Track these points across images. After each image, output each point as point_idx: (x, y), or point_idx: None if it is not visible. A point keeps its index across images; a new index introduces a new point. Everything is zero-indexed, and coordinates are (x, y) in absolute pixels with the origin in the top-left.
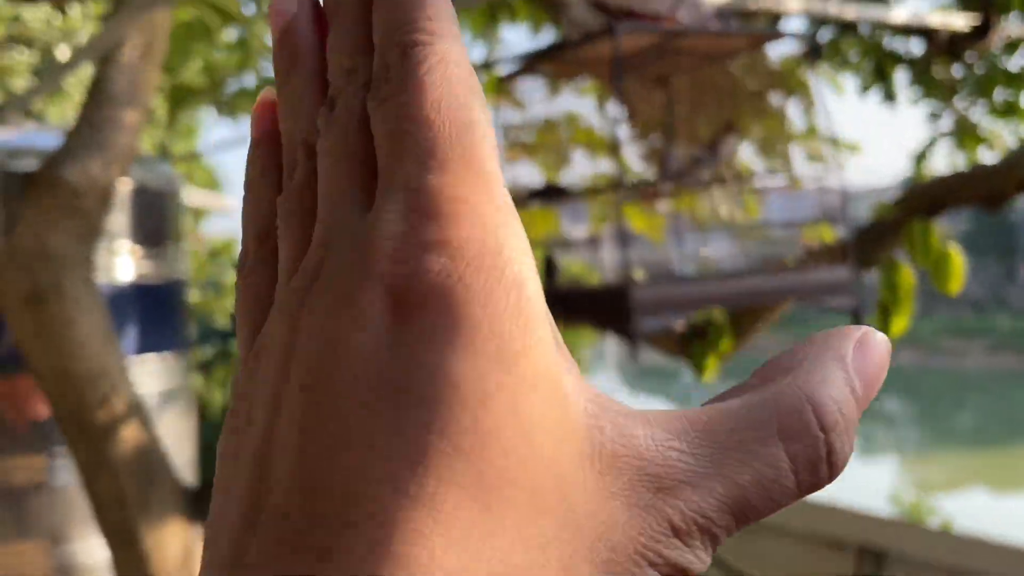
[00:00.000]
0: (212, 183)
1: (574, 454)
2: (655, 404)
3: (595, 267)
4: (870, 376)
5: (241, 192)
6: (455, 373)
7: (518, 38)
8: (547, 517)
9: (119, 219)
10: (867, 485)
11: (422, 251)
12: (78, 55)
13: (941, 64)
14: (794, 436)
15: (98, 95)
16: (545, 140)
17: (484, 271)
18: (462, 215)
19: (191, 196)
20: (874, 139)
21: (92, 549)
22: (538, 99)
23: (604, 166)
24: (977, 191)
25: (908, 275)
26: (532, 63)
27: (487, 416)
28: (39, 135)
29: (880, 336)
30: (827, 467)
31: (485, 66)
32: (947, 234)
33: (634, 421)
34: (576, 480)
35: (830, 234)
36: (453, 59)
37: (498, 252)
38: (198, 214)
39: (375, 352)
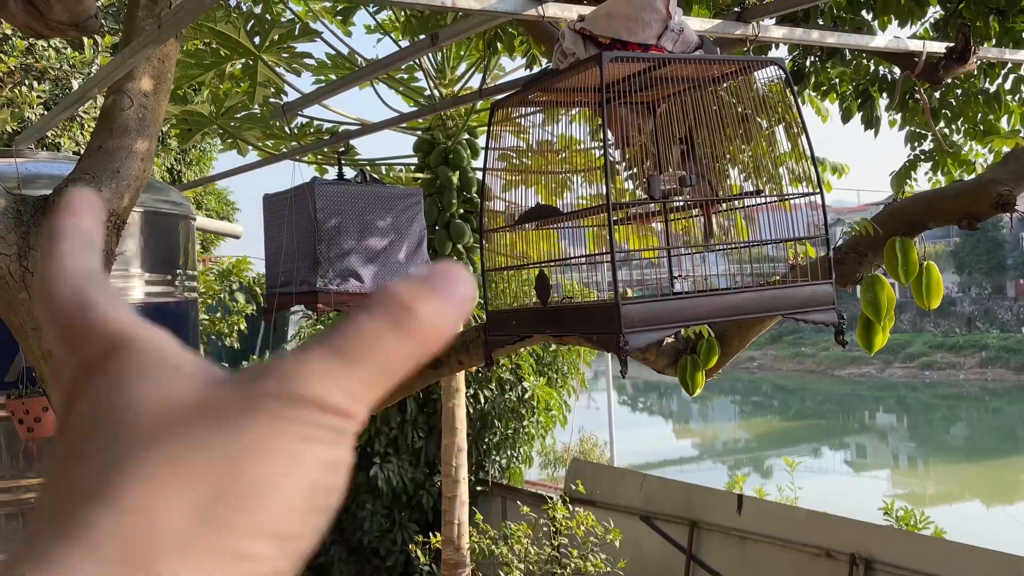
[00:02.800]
0: (222, 209)
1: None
2: (655, 420)
3: (592, 287)
4: (436, 275)
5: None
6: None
7: (515, 67)
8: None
9: (132, 244)
10: (860, 497)
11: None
12: (89, 84)
13: (920, 88)
14: (368, 304)
15: (109, 123)
16: (543, 165)
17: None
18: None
19: (202, 222)
20: (869, 158)
21: None
22: (536, 124)
23: (601, 189)
24: (954, 209)
25: (889, 291)
26: (524, 90)
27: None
28: (53, 164)
29: (454, 263)
30: (403, 309)
31: (481, 93)
32: (937, 252)
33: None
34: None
35: (813, 252)
36: (62, 266)
37: None
38: (207, 238)
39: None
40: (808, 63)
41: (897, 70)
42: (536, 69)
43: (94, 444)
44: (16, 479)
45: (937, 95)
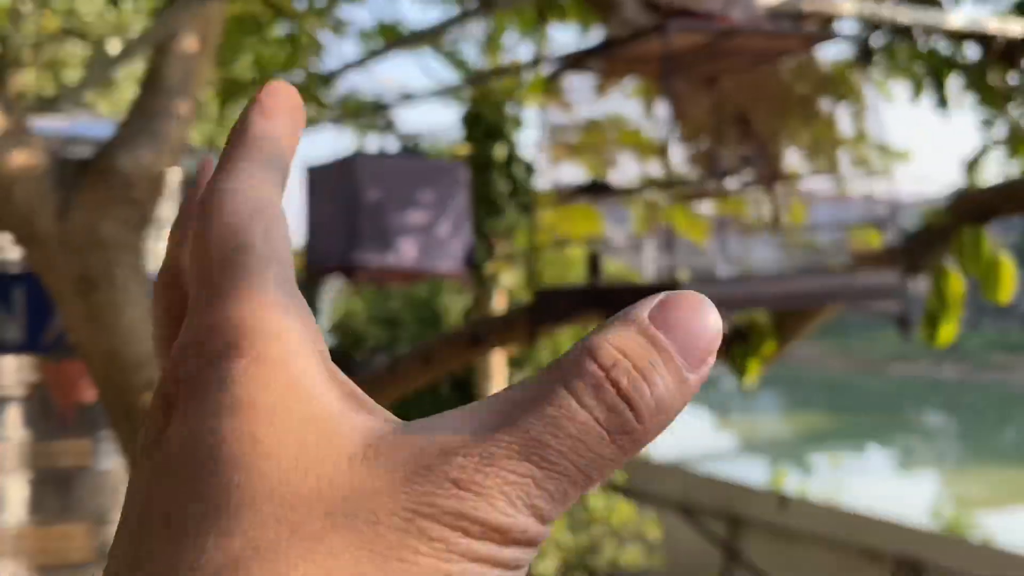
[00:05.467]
0: None
1: (338, 458)
2: (695, 413)
3: (636, 270)
4: (672, 321)
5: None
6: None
7: (567, 38)
8: (323, 527)
9: (169, 208)
10: (906, 499)
11: (181, 356)
12: (132, 46)
13: (996, 71)
14: (572, 375)
15: (152, 85)
16: (591, 141)
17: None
18: (219, 326)
19: None
20: (926, 147)
21: None
22: (585, 100)
23: (649, 169)
24: None
25: (957, 282)
26: (581, 60)
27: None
28: (93, 125)
29: (686, 291)
30: (625, 404)
31: (533, 63)
32: (997, 244)
33: (410, 425)
34: (344, 481)
35: (877, 240)
36: (229, 193)
37: (243, 336)
38: None
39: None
40: (877, 42)
41: (972, 51)
42: (589, 41)
43: (186, 494)
44: (49, 443)
45: (1013, 80)
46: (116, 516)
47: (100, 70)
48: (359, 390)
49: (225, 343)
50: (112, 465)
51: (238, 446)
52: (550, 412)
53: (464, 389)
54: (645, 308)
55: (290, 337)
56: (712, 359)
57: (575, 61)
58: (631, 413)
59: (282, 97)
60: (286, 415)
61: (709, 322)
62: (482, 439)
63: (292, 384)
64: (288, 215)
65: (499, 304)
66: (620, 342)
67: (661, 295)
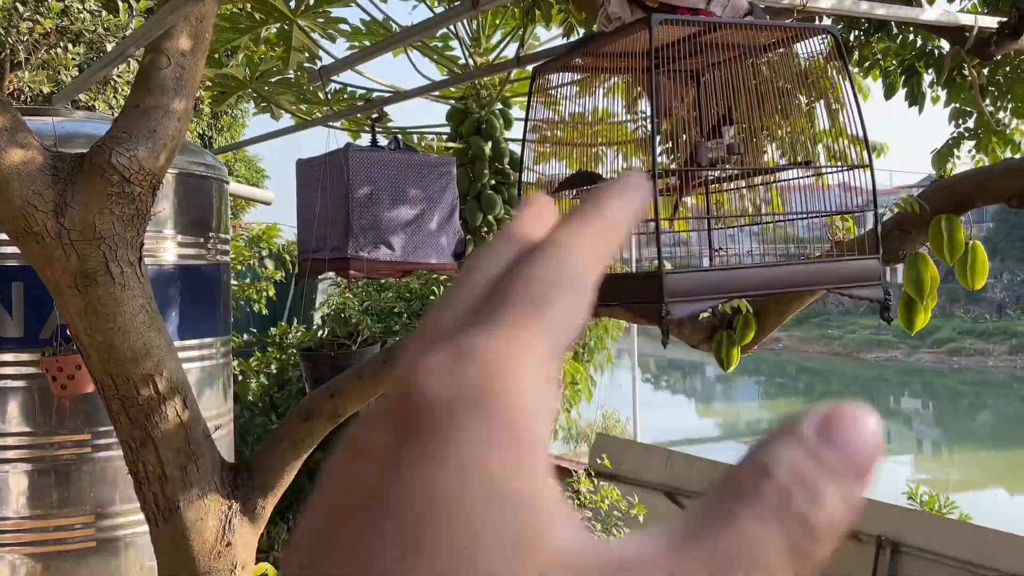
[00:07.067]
0: (251, 176)
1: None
2: (678, 399)
3: (621, 262)
4: (837, 437)
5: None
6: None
7: (552, 39)
8: None
9: (166, 205)
10: (884, 481)
11: (457, 364)
12: (125, 44)
13: (970, 64)
14: (751, 498)
15: (147, 82)
16: (576, 137)
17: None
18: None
19: (233, 187)
20: (901, 140)
21: (133, 523)
22: (571, 95)
23: (635, 164)
24: (1003, 188)
25: (933, 269)
26: (566, 55)
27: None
28: (89, 123)
29: (845, 404)
30: (803, 526)
31: (519, 61)
32: (970, 235)
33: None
34: None
35: (855, 230)
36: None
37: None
38: (237, 204)
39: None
40: (853, 37)
41: (945, 45)
42: (573, 39)
43: (410, 534)
44: (48, 436)
45: (985, 72)
46: (114, 507)
47: (95, 69)
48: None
49: (502, 393)
50: (110, 457)
51: (468, 513)
52: (732, 534)
53: None
54: (809, 424)
55: (541, 420)
56: (875, 466)
57: (560, 56)
58: (809, 534)
59: (634, 191)
60: (514, 500)
61: (870, 432)
62: (670, 558)
63: (532, 471)
64: (278, 212)
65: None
66: (791, 461)
67: (823, 409)
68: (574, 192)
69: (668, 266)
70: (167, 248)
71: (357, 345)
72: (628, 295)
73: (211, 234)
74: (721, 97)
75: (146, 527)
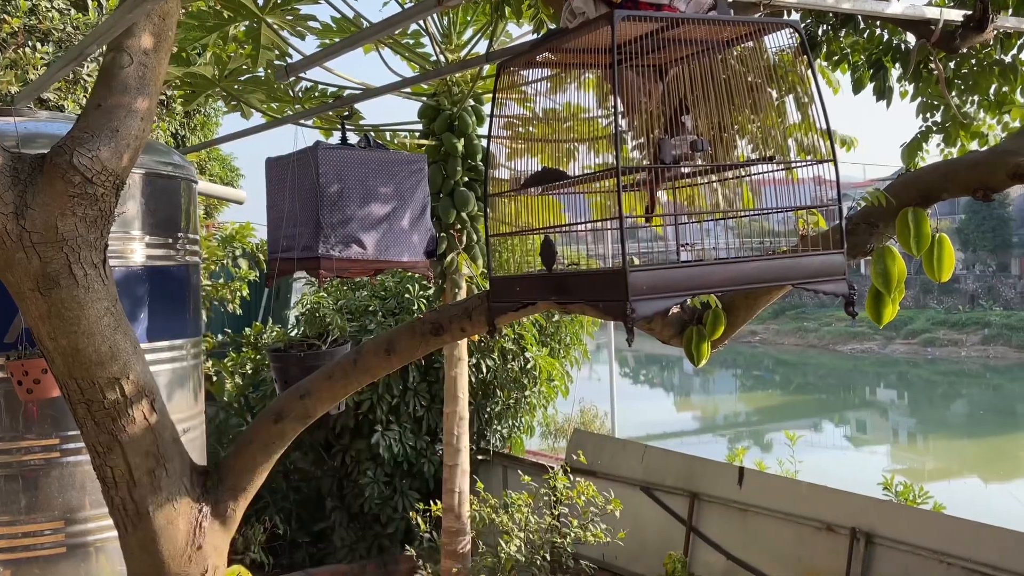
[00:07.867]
0: (226, 175)
1: None
2: (656, 393)
3: (596, 258)
4: None
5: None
6: None
7: (522, 34)
8: None
9: (132, 206)
10: (859, 472)
11: None
12: (88, 40)
13: (936, 58)
14: None
15: (108, 81)
16: (549, 133)
17: None
18: None
19: (204, 186)
20: (875, 133)
21: (103, 528)
22: (542, 92)
23: (607, 159)
24: (969, 180)
25: (900, 262)
26: (530, 51)
27: None
28: (53, 123)
29: None
30: None
31: (488, 57)
32: (941, 228)
33: None
34: None
35: (823, 223)
36: None
37: None
38: (210, 204)
39: None
40: (820, 32)
41: (911, 39)
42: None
43: None
44: (16, 440)
45: (952, 65)
46: (83, 512)
47: (56, 69)
48: None
49: None
50: (78, 461)
51: None
52: None
53: (433, 374)
54: None
55: None
56: None
57: (526, 52)
58: None
59: None
60: None
61: None
62: None
63: None
64: (251, 211)
65: (464, 295)
66: None
67: None
68: (540, 189)
69: (636, 262)
70: (135, 249)
71: (327, 345)
72: (593, 293)
73: (180, 234)
74: (689, 91)
75: (115, 531)
